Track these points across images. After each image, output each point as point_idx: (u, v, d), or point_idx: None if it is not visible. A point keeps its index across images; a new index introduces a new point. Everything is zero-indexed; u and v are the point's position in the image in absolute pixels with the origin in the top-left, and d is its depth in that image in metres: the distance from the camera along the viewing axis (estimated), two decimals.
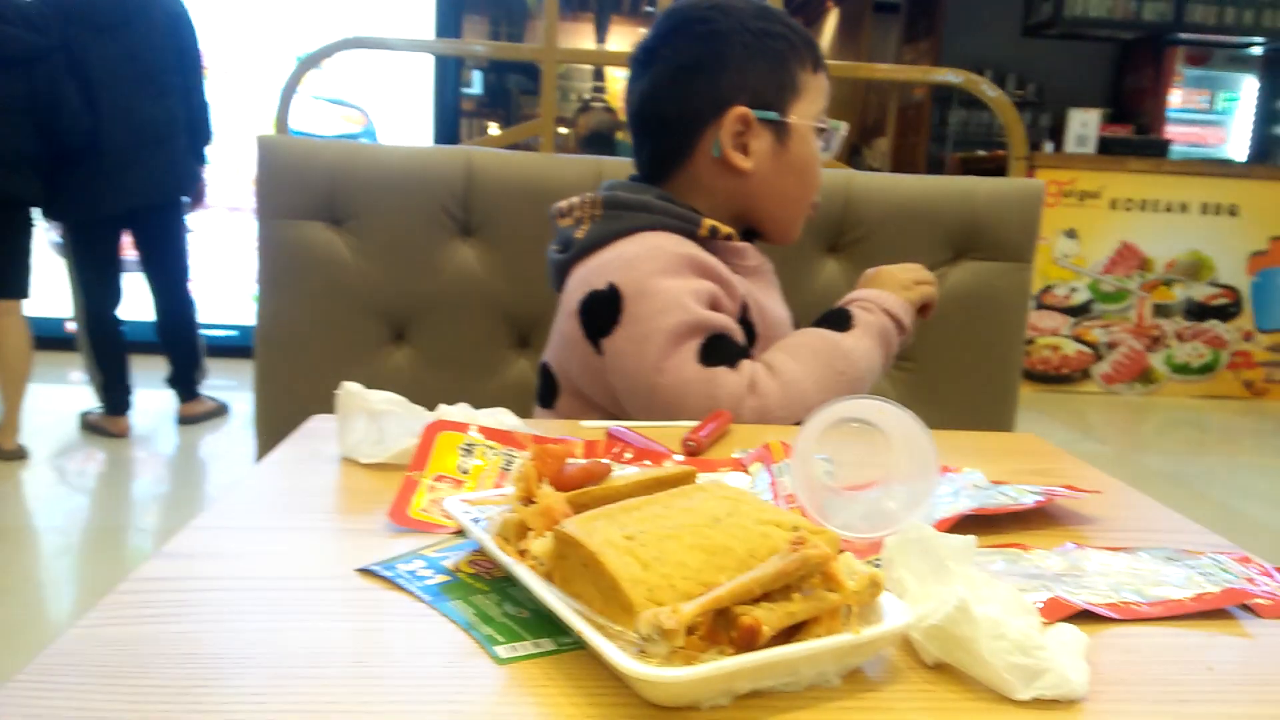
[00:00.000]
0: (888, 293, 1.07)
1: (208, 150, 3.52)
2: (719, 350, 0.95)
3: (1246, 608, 0.55)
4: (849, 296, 1.09)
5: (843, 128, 1.09)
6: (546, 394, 1.08)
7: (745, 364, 0.96)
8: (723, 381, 0.93)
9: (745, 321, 1.03)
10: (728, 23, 1.03)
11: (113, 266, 3.39)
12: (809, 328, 1.04)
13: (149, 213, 3.35)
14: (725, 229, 1.04)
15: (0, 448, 3.13)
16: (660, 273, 0.97)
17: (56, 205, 3.23)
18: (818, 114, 1.07)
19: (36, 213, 3.24)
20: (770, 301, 1.10)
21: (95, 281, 3.35)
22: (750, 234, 1.11)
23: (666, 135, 1.07)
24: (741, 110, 1.02)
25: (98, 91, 3.14)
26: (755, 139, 1.04)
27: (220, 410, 3.71)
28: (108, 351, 3.41)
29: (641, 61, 1.07)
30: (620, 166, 1.26)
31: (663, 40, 1.06)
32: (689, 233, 1.02)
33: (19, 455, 3.15)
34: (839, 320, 1.04)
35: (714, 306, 0.98)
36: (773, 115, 1.04)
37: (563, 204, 1.08)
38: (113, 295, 3.41)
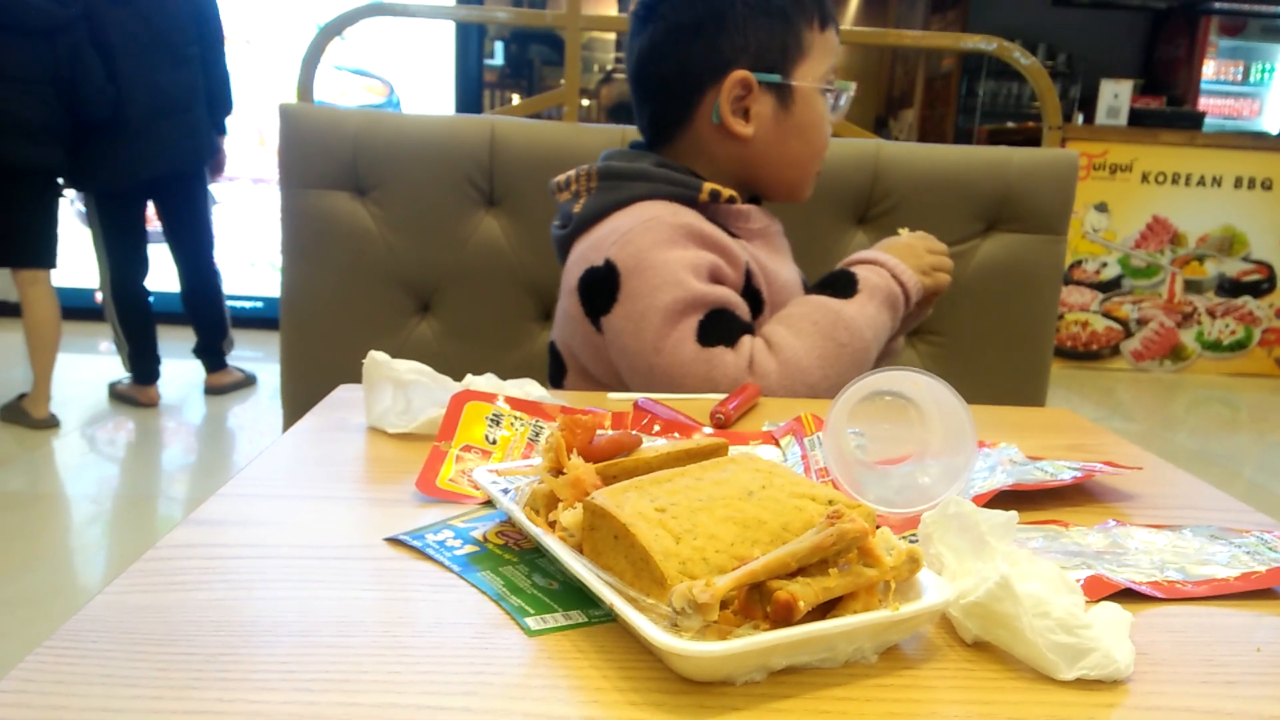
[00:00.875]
0: (896, 258, 1.03)
1: (227, 121, 3.52)
2: (718, 327, 0.93)
3: None
4: (857, 255, 1.04)
5: (851, 87, 1.05)
6: (556, 373, 1.07)
7: (744, 341, 0.93)
8: (720, 361, 0.91)
9: (751, 288, 1.00)
10: None
11: (138, 237, 3.41)
12: (811, 294, 1.00)
13: (172, 182, 3.36)
14: (727, 192, 1.00)
15: (31, 416, 3.17)
16: (656, 246, 0.94)
17: (81, 175, 3.25)
18: (824, 74, 1.02)
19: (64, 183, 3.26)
20: (778, 265, 1.06)
21: (121, 252, 3.38)
22: (755, 197, 1.08)
23: (665, 98, 1.04)
24: (742, 74, 0.99)
25: (119, 61, 3.15)
26: (757, 103, 1.00)
27: (248, 381, 3.74)
28: (135, 321, 3.44)
29: (641, 18, 1.04)
30: None
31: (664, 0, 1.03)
32: (689, 199, 0.99)
33: (50, 424, 3.19)
34: (843, 285, 1.00)
35: (715, 277, 0.96)
36: (775, 78, 1.00)
37: (560, 178, 1.06)
38: (139, 265, 3.43)
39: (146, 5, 3.20)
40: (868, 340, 0.97)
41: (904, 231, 1.09)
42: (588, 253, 0.99)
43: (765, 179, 1.05)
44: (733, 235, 1.01)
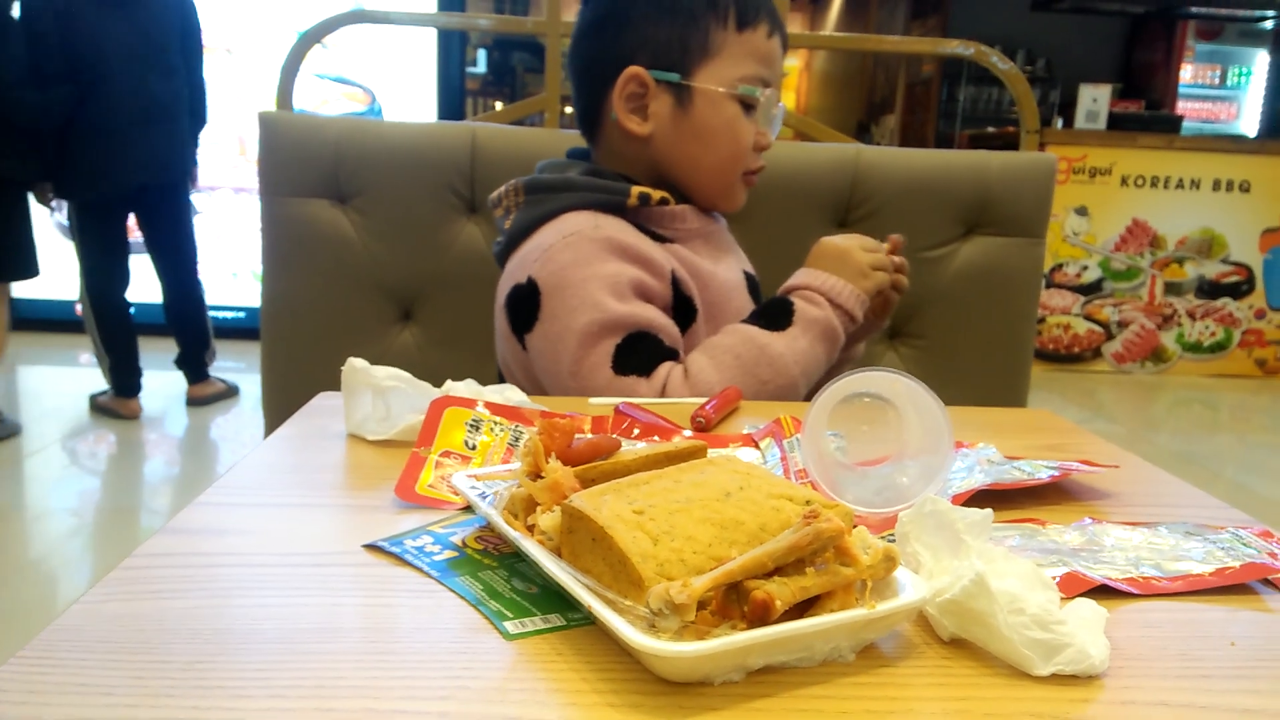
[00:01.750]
0: (842, 281, 0.99)
1: (202, 133, 3.51)
2: (636, 351, 0.91)
3: (1268, 582, 0.54)
4: (798, 280, 1.00)
5: (765, 94, 0.99)
6: None
7: (661, 370, 0.92)
8: (633, 392, 0.90)
9: (680, 295, 0.98)
10: None
11: (119, 248, 3.39)
12: (743, 323, 0.97)
13: (154, 192, 3.34)
14: (657, 194, 0.99)
15: None
16: (576, 264, 0.93)
17: (64, 184, 3.23)
18: (740, 78, 0.98)
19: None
20: (719, 266, 1.04)
21: (102, 263, 3.35)
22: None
23: (580, 93, 1.04)
24: (634, 70, 0.97)
25: (110, 66, 3.13)
26: (654, 101, 0.98)
27: (230, 392, 3.72)
28: (115, 333, 3.42)
29: (579, 14, 1.04)
30: None
31: None
32: (617, 205, 0.98)
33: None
34: (778, 315, 0.97)
35: (639, 292, 0.94)
36: (674, 77, 0.97)
37: (494, 194, 1.05)
38: (120, 277, 3.41)
39: (139, 12, 3.19)
40: (793, 376, 0.94)
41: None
42: (514, 270, 0.98)
43: (678, 182, 1.03)
44: (665, 239, 1.00)
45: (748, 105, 0.99)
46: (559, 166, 1.05)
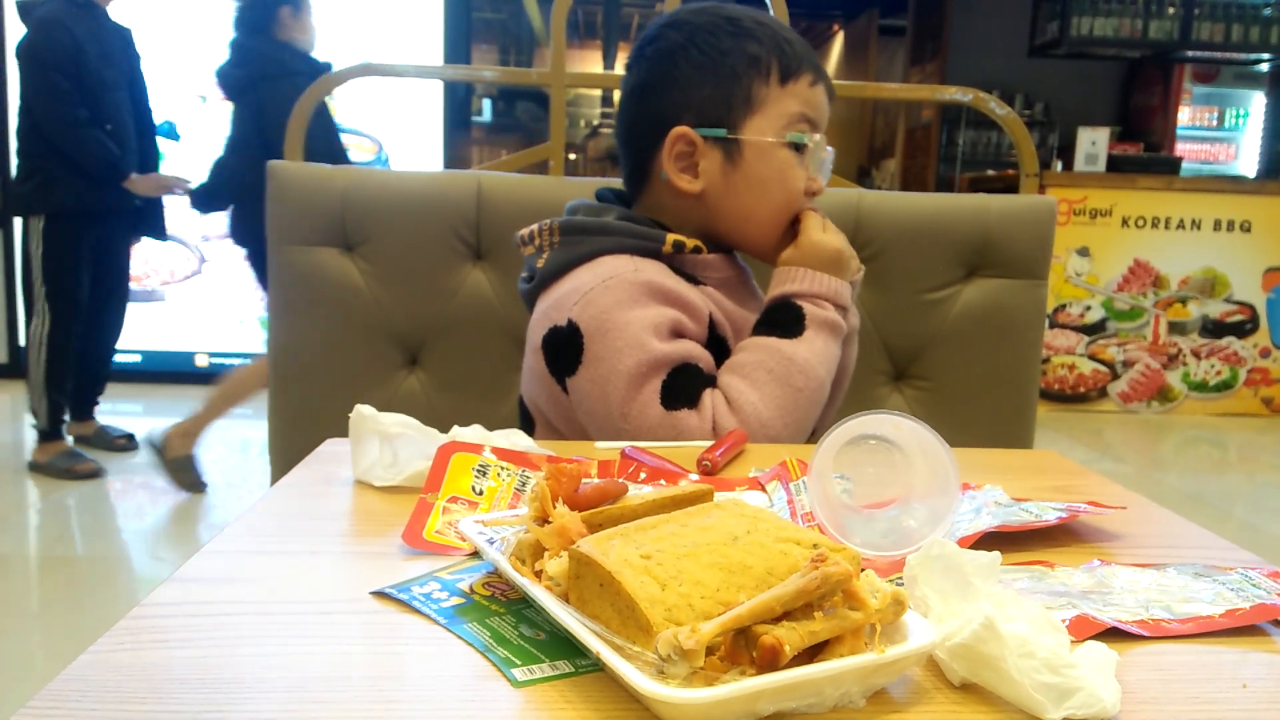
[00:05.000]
0: (837, 280, 1.01)
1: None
2: (682, 385, 0.93)
3: (1279, 623, 0.54)
4: (802, 285, 1.01)
5: (814, 139, 1.01)
6: (525, 428, 1.06)
7: (706, 399, 0.94)
8: (686, 425, 0.92)
9: (715, 336, 1.01)
10: (679, 39, 1.01)
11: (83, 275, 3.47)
12: (760, 335, 0.99)
13: (120, 217, 3.43)
14: (691, 243, 1.01)
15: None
16: (618, 306, 0.94)
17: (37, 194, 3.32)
18: (786, 125, 1.00)
19: None
20: (745, 311, 1.06)
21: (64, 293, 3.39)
22: (720, 245, 1.07)
23: (629, 155, 1.07)
24: (681, 130, 1.00)
25: (117, 111, 3.33)
26: (704, 158, 1.01)
27: (115, 439, 3.62)
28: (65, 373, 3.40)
29: (623, 80, 1.08)
30: None
31: (630, 59, 1.06)
32: (652, 250, 1.00)
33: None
34: (790, 322, 0.99)
35: (678, 333, 0.96)
36: (719, 132, 1.00)
37: (524, 231, 1.06)
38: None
39: (126, 64, 3.36)
40: (821, 378, 0.98)
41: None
42: (551, 311, 0.99)
43: (727, 233, 1.05)
44: (699, 283, 1.02)
45: (798, 151, 1.02)
46: (593, 210, 1.06)
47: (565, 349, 0.96)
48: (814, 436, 1.15)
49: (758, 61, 0.99)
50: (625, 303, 0.94)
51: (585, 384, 0.95)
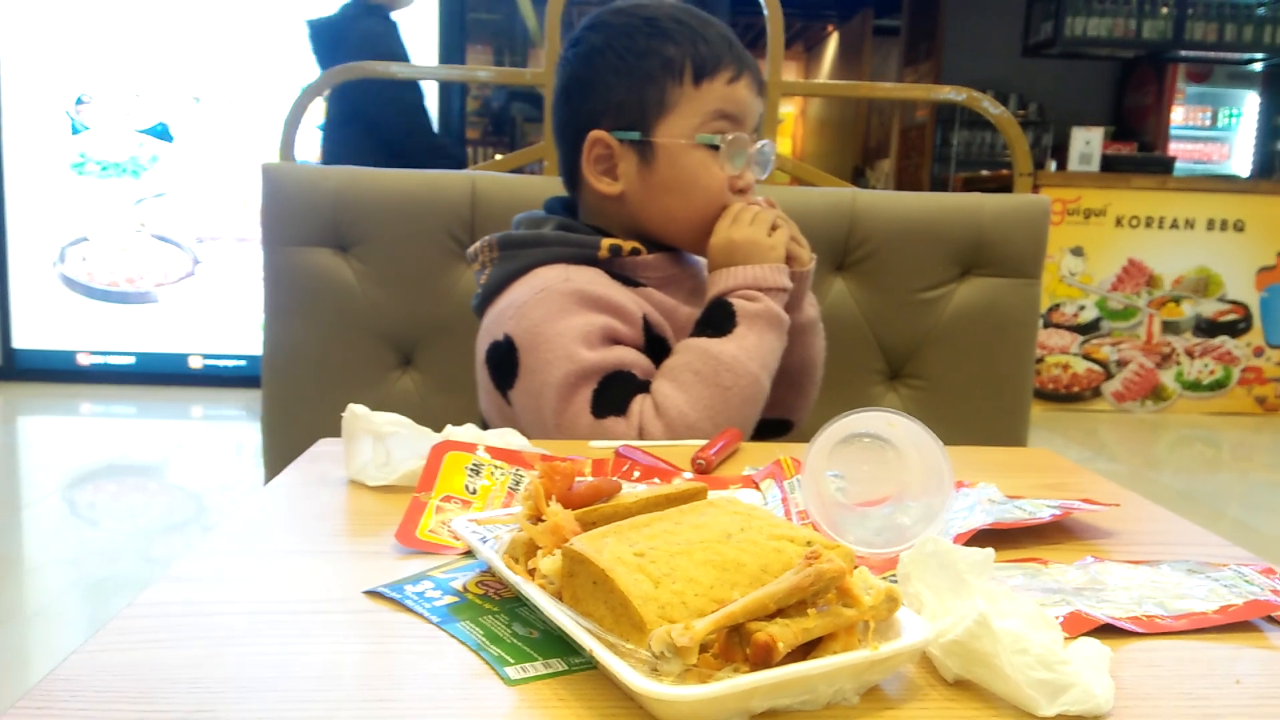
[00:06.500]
0: (764, 266, 0.99)
1: None
2: (613, 393, 0.94)
3: (1272, 620, 0.54)
4: (727, 283, 1.00)
5: (729, 138, 1.00)
6: None
7: (635, 406, 0.94)
8: (614, 433, 0.92)
9: (654, 337, 1.01)
10: (598, 41, 1.02)
11: None
12: (692, 337, 0.99)
13: None
14: (628, 245, 1.02)
15: None
16: (549, 318, 0.96)
17: None
18: (698, 126, 1.00)
19: None
20: (693, 306, 1.05)
21: None
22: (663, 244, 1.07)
23: (560, 159, 1.08)
24: (597, 134, 1.01)
25: None
26: (622, 161, 1.02)
27: None
28: None
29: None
30: None
31: (558, 62, 1.07)
32: (588, 258, 1.01)
33: None
34: (721, 320, 0.98)
35: (611, 339, 0.97)
36: (634, 135, 1.01)
37: (470, 249, 1.08)
38: None
39: None
40: (753, 373, 0.96)
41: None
42: (491, 326, 1.01)
43: (655, 234, 1.05)
44: (640, 284, 1.03)
45: (716, 150, 1.01)
46: (534, 222, 1.08)
47: (503, 363, 0.98)
48: (794, 429, 1.15)
49: (671, 63, 1.00)
50: (556, 314, 0.96)
51: (522, 396, 0.97)
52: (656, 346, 1.01)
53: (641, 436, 0.92)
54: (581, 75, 1.03)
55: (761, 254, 1.01)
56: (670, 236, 1.05)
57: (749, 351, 0.96)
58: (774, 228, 1.03)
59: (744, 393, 0.95)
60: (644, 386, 0.96)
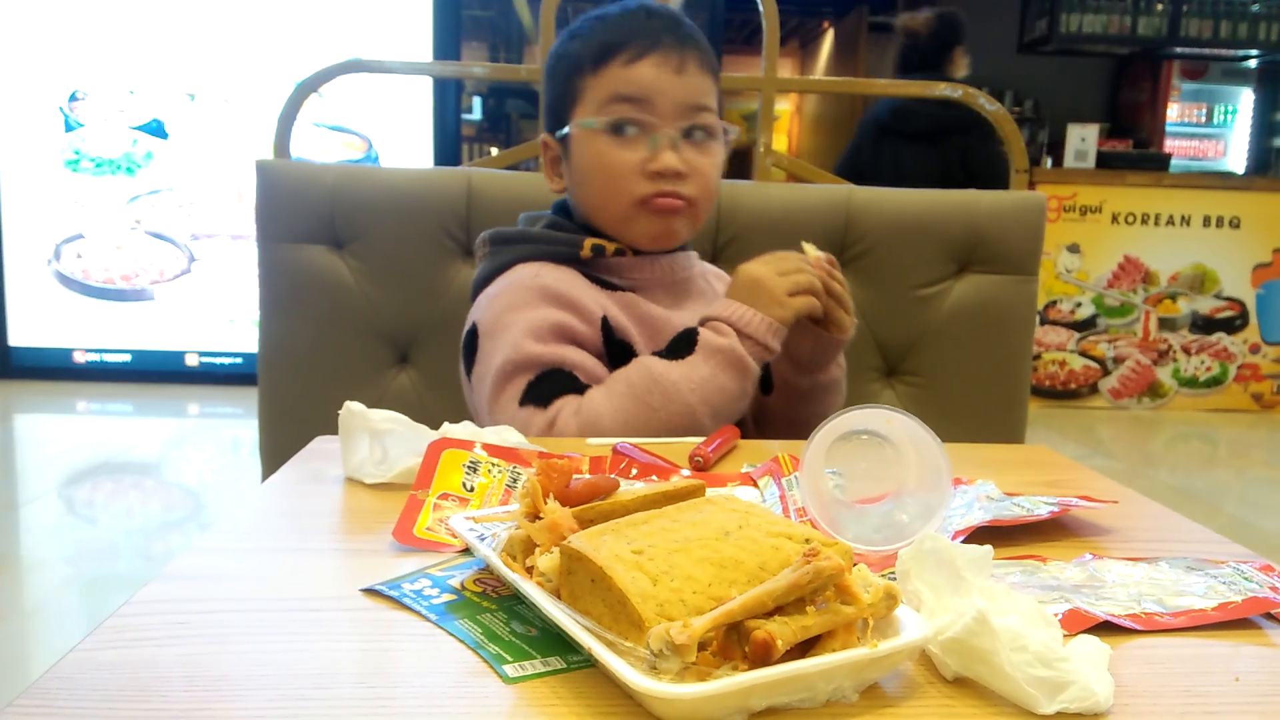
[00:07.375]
0: (753, 311, 0.96)
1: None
2: (544, 387, 0.95)
3: (1271, 616, 0.54)
4: (711, 311, 0.98)
5: (627, 118, 0.98)
6: None
7: (558, 402, 0.94)
8: (530, 422, 0.94)
9: (614, 340, 1.00)
10: (554, 50, 1.08)
11: None
12: (650, 354, 0.97)
13: None
14: (612, 246, 1.03)
15: None
16: (508, 309, 0.99)
17: None
18: (596, 113, 1.00)
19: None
20: (675, 312, 1.04)
21: None
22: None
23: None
24: (544, 136, 1.07)
25: None
26: (559, 159, 1.07)
27: None
28: None
29: None
30: None
31: None
32: (571, 257, 1.03)
33: None
34: (680, 345, 0.96)
35: (565, 336, 0.98)
36: (560, 132, 1.04)
37: (476, 244, 1.13)
38: None
39: None
40: (689, 403, 0.92)
41: (809, 248, 1.02)
42: (470, 316, 1.05)
43: (597, 227, 1.05)
44: (621, 288, 1.03)
45: (618, 133, 0.99)
46: (530, 220, 1.11)
47: (467, 350, 1.03)
48: (771, 430, 1.13)
49: (579, 57, 1.03)
50: (516, 305, 0.99)
51: (475, 380, 1.01)
52: (618, 350, 1.00)
53: (553, 430, 0.93)
54: (544, 84, 1.10)
55: (766, 305, 0.96)
56: (602, 226, 1.05)
57: (693, 381, 0.93)
58: (806, 291, 0.98)
59: (671, 419, 0.92)
60: (581, 389, 0.95)
